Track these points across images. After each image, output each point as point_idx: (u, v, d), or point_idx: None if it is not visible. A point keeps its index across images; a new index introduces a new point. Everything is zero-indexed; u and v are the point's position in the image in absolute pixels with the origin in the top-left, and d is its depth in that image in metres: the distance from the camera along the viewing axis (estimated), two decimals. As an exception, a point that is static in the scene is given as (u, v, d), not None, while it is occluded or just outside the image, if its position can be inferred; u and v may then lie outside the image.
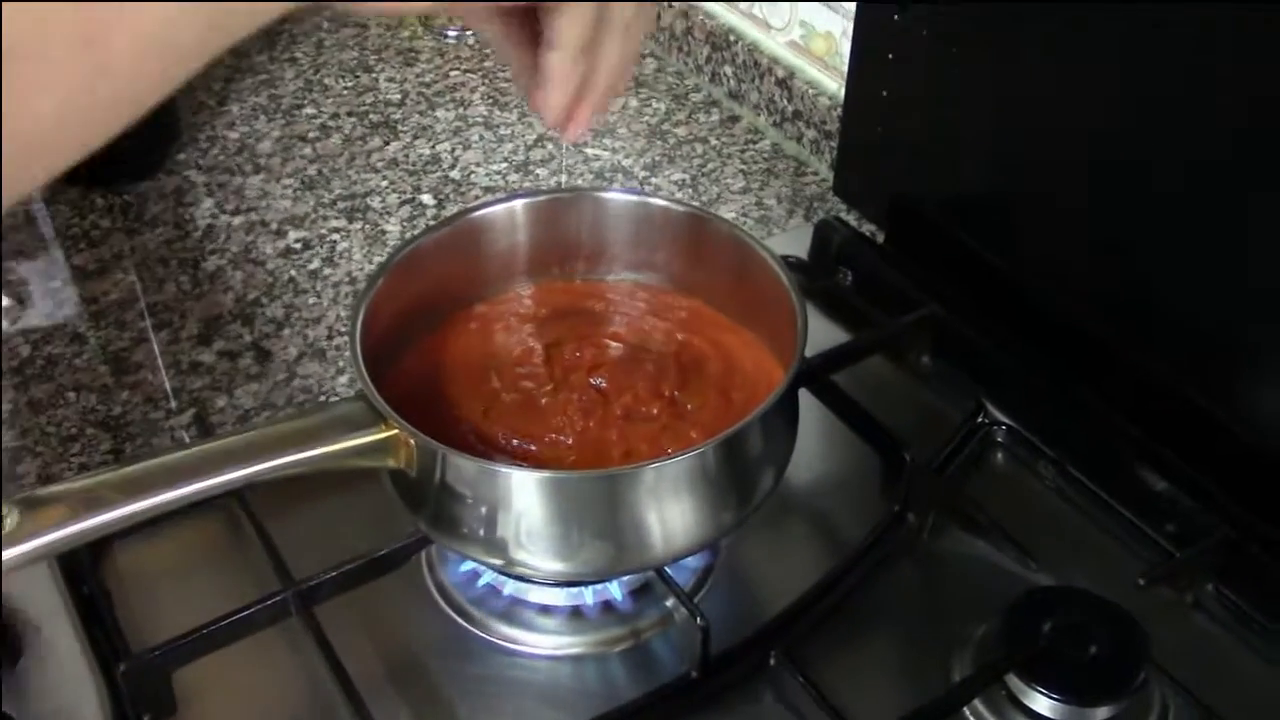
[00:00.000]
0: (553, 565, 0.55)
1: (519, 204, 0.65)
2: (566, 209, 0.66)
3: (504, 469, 0.55)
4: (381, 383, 0.54)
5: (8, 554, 0.46)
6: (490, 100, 1.03)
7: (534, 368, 0.63)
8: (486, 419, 0.60)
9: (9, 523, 0.47)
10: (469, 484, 0.54)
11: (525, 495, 0.53)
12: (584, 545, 0.54)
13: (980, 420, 0.71)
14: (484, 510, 0.54)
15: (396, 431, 0.53)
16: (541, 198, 0.66)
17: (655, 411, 0.60)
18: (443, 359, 0.63)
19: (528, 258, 0.67)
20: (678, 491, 0.54)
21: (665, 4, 1.07)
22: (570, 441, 0.59)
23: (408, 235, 0.87)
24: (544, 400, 0.61)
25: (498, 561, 0.55)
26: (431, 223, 0.88)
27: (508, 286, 0.67)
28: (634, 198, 0.67)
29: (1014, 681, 0.56)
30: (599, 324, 0.66)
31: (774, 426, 0.57)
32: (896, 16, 0.75)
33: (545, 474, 0.55)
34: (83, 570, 0.62)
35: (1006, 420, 0.71)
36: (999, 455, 0.71)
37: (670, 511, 0.54)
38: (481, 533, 0.54)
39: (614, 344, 0.65)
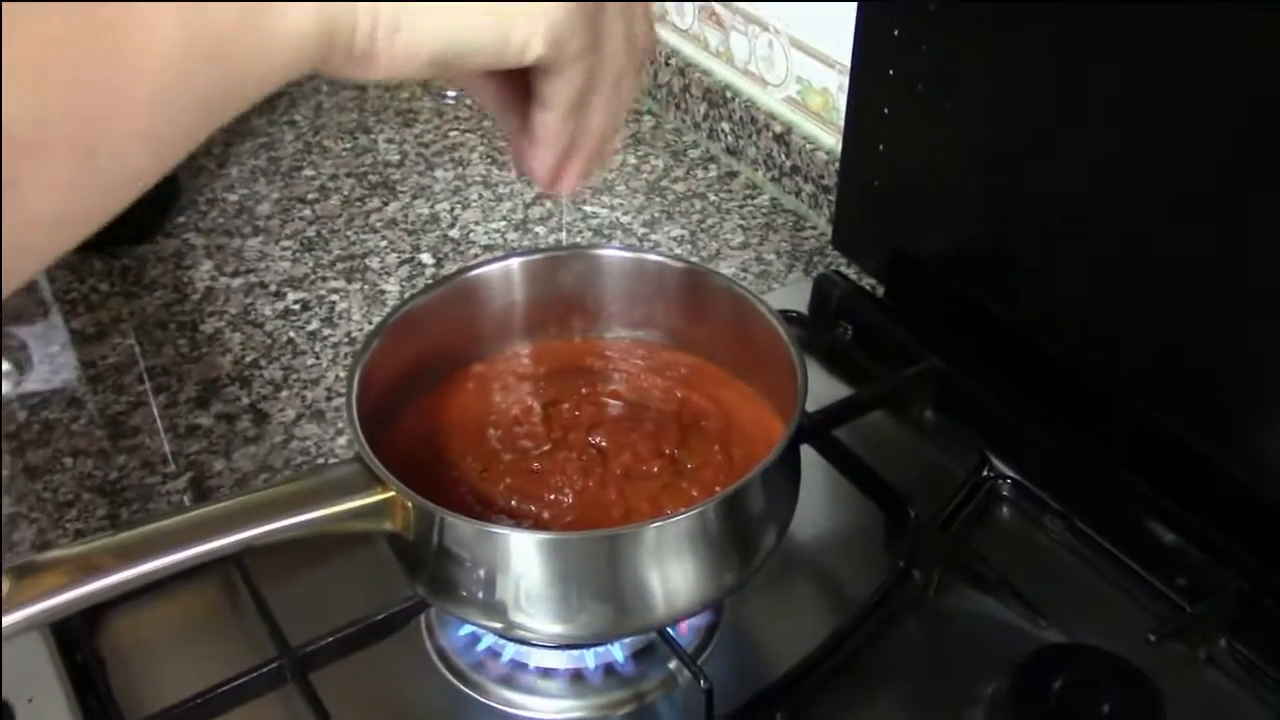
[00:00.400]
0: (553, 628, 0.54)
1: (515, 262, 0.65)
2: (563, 267, 0.66)
3: (502, 530, 0.54)
4: (379, 444, 0.54)
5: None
6: (489, 159, 1.03)
7: (532, 427, 0.62)
8: (485, 479, 0.60)
9: (3, 590, 0.46)
10: (467, 546, 0.53)
11: (524, 557, 0.52)
12: (584, 607, 0.53)
13: (985, 474, 0.70)
14: (482, 573, 0.53)
15: (393, 494, 0.52)
16: (538, 256, 0.66)
17: (655, 470, 0.60)
18: (440, 419, 0.63)
19: (525, 316, 0.66)
20: (679, 551, 0.53)
21: (662, 62, 1.08)
22: (569, 501, 0.59)
23: (406, 295, 0.87)
24: (543, 460, 0.60)
25: (497, 625, 0.54)
26: (430, 282, 0.88)
27: (505, 345, 0.67)
28: (631, 254, 0.67)
29: (1025, 742, 0.55)
30: (598, 382, 0.66)
31: (776, 483, 0.57)
32: (896, 32, 0.74)
33: (544, 535, 0.54)
34: (76, 637, 0.61)
35: (1011, 474, 0.70)
36: (1004, 510, 0.70)
37: (671, 571, 0.53)
38: (480, 595, 0.53)
39: (613, 402, 0.64)
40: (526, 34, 0.39)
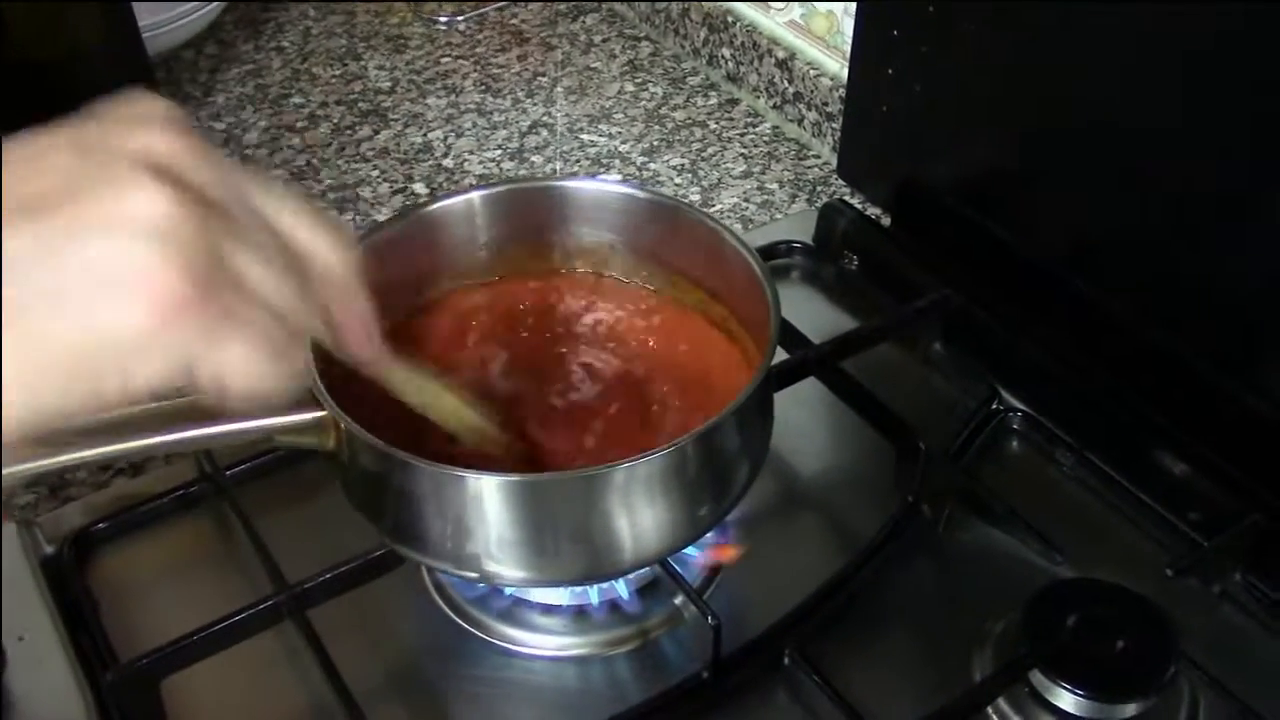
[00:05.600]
0: (526, 572, 0.52)
1: (477, 196, 0.62)
2: (528, 201, 0.62)
3: (468, 474, 0.50)
4: (336, 386, 0.51)
5: None
6: (483, 87, 1.01)
7: (497, 367, 0.60)
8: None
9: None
10: (432, 491, 0.51)
11: (493, 501, 0.50)
12: (559, 550, 0.52)
13: (995, 407, 0.69)
14: (449, 519, 0.51)
15: (325, 413, 0.50)
16: (500, 188, 0.63)
17: (626, 410, 0.57)
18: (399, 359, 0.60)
19: (489, 252, 0.63)
20: (651, 491, 0.51)
21: (660, -14, 1.04)
22: (538, 443, 0.56)
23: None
24: (508, 402, 0.58)
25: (470, 574, 0.52)
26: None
27: (468, 283, 0.63)
28: (598, 185, 0.64)
29: (1038, 678, 0.54)
30: (565, 321, 0.63)
31: (750, 419, 0.54)
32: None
33: (514, 478, 0.51)
34: (67, 575, 0.59)
35: (1022, 406, 0.69)
36: (1014, 443, 0.68)
37: (645, 512, 0.51)
38: (449, 546, 0.51)
39: (582, 340, 0.62)
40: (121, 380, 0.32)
